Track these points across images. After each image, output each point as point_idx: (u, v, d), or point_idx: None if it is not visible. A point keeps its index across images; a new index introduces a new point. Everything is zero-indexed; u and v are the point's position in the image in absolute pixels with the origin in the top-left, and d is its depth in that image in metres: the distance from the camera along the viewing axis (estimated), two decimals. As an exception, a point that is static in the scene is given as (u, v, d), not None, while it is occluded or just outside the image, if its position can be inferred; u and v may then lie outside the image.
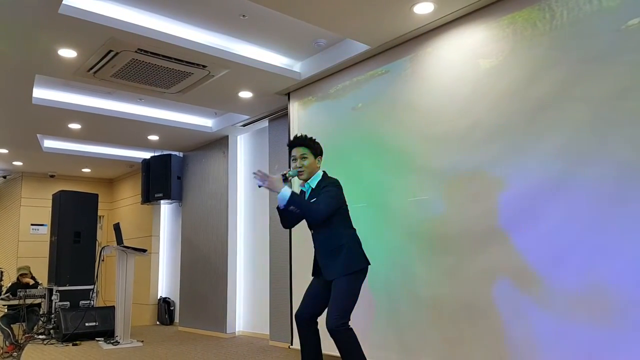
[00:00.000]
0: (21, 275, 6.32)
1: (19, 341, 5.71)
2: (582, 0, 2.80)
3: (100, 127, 5.87)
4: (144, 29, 3.63)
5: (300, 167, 2.77)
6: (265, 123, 5.74)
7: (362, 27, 3.58)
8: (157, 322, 7.52)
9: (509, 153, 3.05)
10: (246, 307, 6.07)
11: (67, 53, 3.87)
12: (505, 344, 2.95)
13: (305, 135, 2.85)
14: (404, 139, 3.71)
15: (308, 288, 2.84)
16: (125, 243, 5.65)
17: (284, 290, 4.90)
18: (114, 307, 5.70)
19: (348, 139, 4.13)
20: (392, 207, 3.72)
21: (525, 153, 2.97)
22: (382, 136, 3.88)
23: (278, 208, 2.76)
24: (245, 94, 4.93)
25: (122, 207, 9.02)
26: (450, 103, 3.42)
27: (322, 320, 2.69)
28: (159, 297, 7.62)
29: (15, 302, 5.97)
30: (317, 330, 2.75)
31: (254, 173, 2.61)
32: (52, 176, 8.62)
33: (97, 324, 5.68)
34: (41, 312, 6.23)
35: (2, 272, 6.61)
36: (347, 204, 2.84)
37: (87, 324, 5.61)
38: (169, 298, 7.48)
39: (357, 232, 2.84)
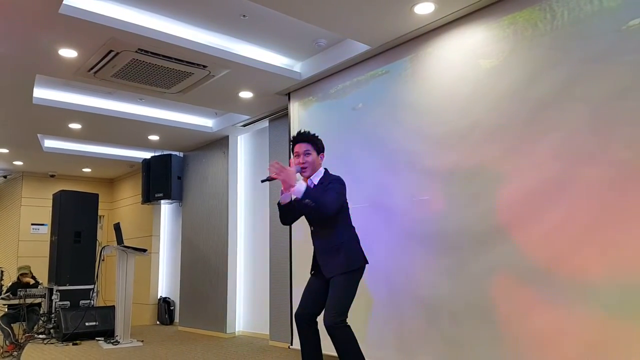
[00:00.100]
0: (21, 274, 6.32)
1: (19, 340, 5.71)
2: (582, 1, 2.80)
3: (101, 127, 5.88)
4: (144, 29, 3.63)
5: (303, 163, 2.76)
6: (265, 123, 5.74)
7: (362, 27, 3.58)
8: (157, 322, 7.52)
9: (509, 153, 3.05)
10: (246, 307, 6.07)
11: (68, 53, 3.88)
12: (505, 344, 2.94)
13: (309, 132, 2.84)
14: (404, 139, 3.71)
15: (306, 287, 2.83)
16: (126, 243, 5.65)
17: (284, 290, 4.90)
18: (114, 306, 5.70)
19: (348, 139, 4.13)
20: (392, 207, 3.72)
21: (526, 153, 2.97)
22: (383, 136, 3.88)
23: (279, 204, 2.76)
24: (246, 94, 4.93)
25: (122, 207, 9.02)
26: (451, 103, 3.42)
27: (321, 319, 2.69)
28: (159, 297, 7.62)
29: (16, 301, 5.98)
30: (317, 330, 2.74)
31: (271, 165, 2.57)
32: (52, 176, 8.62)
33: (97, 323, 5.68)
34: (41, 312, 6.24)
35: (2, 271, 6.62)
36: (347, 202, 2.84)
37: (87, 324, 5.61)
38: (169, 298, 7.48)
39: (356, 231, 2.84)
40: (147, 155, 7.32)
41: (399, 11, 3.36)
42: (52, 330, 5.71)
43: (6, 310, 6.15)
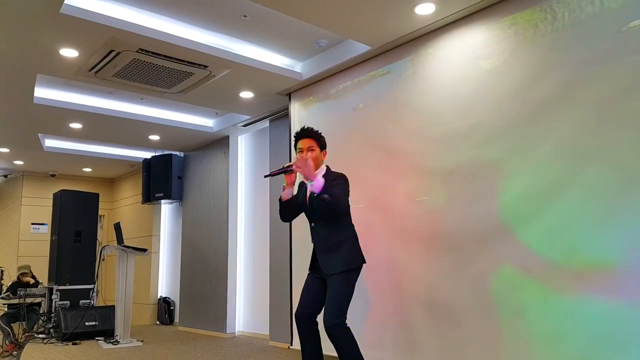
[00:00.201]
0: (21, 274, 6.32)
1: (19, 340, 5.72)
2: (583, 2, 2.80)
3: (102, 126, 5.88)
4: (145, 29, 3.63)
5: (307, 159, 2.77)
6: (266, 123, 5.74)
7: (363, 27, 3.58)
8: (157, 322, 7.52)
9: (510, 154, 3.05)
10: (246, 307, 6.07)
11: (69, 53, 3.88)
12: (504, 345, 2.94)
13: (312, 128, 2.85)
14: (404, 139, 3.71)
15: (305, 286, 2.81)
16: (126, 242, 5.65)
17: (284, 290, 4.90)
18: (114, 306, 5.70)
19: (349, 139, 4.13)
20: (393, 207, 3.72)
21: (526, 154, 2.96)
22: (383, 137, 3.88)
23: (280, 199, 2.75)
24: (246, 94, 4.93)
25: (122, 206, 9.03)
26: (452, 104, 3.42)
27: (321, 319, 2.69)
28: (159, 297, 7.62)
29: (16, 301, 5.98)
30: (318, 330, 2.73)
31: (297, 159, 2.56)
32: (53, 175, 8.63)
33: (97, 323, 5.68)
34: (41, 311, 6.23)
35: (2, 271, 6.62)
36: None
37: (87, 323, 5.61)
38: (169, 298, 7.48)
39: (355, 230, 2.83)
40: (148, 155, 7.32)
41: (400, 12, 3.36)
42: (51, 330, 5.72)
43: (6, 309, 6.15)
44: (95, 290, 6.24)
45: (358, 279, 2.72)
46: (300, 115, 4.74)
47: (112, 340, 5.31)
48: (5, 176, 8.44)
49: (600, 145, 2.65)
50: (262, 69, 4.28)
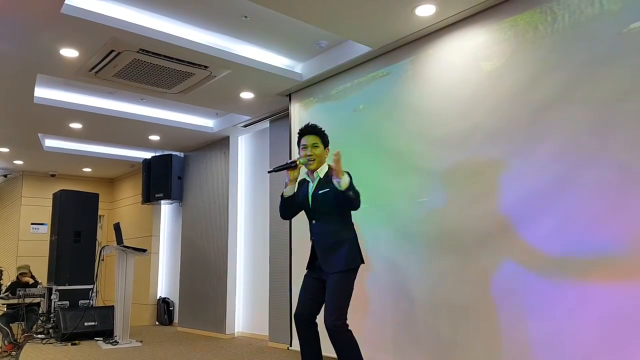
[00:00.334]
0: (21, 274, 6.32)
1: (18, 340, 5.71)
2: (583, 4, 2.80)
3: (102, 126, 5.88)
4: (145, 29, 3.63)
5: (310, 155, 2.75)
6: (266, 124, 5.74)
7: (363, 28, 3.58)
8: (157, 323, 7.51)
9: (510, 155, 3.05)
10: (246, 307, 6.07)
11: (69, 53, 3.88)
12: (503, 346, 2.94)
13: (317, 124, 2.84)
14: (405, 140, 3.72)
15: (303, 287, 2.79)
16: (125, 243, 5.65)
17: (284, 291, 4.90)
18: (113, 306, 5.69)
19: (349, 140, 4.13)
20: (393, 208, 3.72)
21: (527, 155, 2.97)
22: (383, 138, 3.88)
23: (282, 195, 2.75)
24: (247, 95, 4.93)
25: (122, 206, 9.02)
26: (452, 105, 3.43)
27: (320, 320, 2.69)
28: (158, 297, 7.62)
29: (15, 301, 5.97)
30: (317, 331, 2.73)
31: (335, 153, 2.53)
32: (52, 175, 8.63)
33: (96, 323, 5.67)
34: (40, 312, 6.23)
35: (1, 271, 6.62)
36: None
37: (86, 324, 5.60)
38: (168, 298, 7.47)
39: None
40: (148, 155, 7.32)
41: (400, 13, 3.36)
42: (51, 330, 5.71)
43: (5, 309, 6.14)
44: (94, 290, 6.23)
45: (357, 279, 2.72)
46: (300, 116, 4.74)
47: (111, 341, 5.30)
48: (5, 176, 8.43)
49: (599, 146, 2.66)
50: (262, 69, 4.28)
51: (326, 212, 2.71)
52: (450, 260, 3.29)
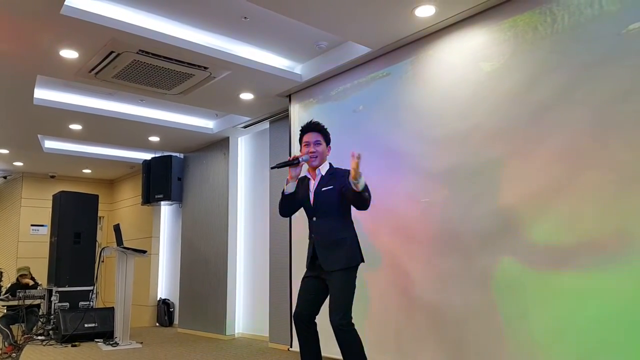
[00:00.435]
0: (21, 275, 6.30)
1: (18, 342, 5.70)
2: (583, 4, 2.81)
3: (101, 128, 5.88)
4: (145, 31, 3.64)
5: (313, 152, 2.75)
6: (266, 125, 5.74)
7: (363, 29, 3.59)
8: (157, 324, 7.50)
9: (510, 156, 3.05)
10: (246, 308, 6.06)
11: (69, 54, 3.88)
12: (506, 345, 2.94)
13: (319, 122, 2.84)
14: (405, 141, 3.72)
15: (302, 287, 2.79)
16: (125, 244, 5.65)
17: (284, 292, 4.89)
18: (113, 308, 5.69)
19: (349, 141, 4.13)
20: (393, 208, 3.72)
21: (526, 156, 2.97)
22: (383, 138, 3.88)
23: (283, 193, 2.74)
24: (246, 96, 4.93)
25: (122, 208, 9.02)
26: (451, 106, 3.43)
27: (321, 320, 2.69)
28: (158, 299, 7.61)
29: (15, 302, 5.96)
30: (317, 331, 2.72)
31: (352, 153, 2.46)
32: (52, 177, 8.62)
33: (96, 325, 5.67)
34: (40, 313, 6.22)
35: (1, 272, 6.59)
36: None
37: (86, 325, 5.60)
38: (168, 299, 7.47)
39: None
40: (148, 156, 7.32)
41: (400, 14, 3.36)
42: (51, 332, 5.70)
43: (5, 311, 6.13)
44: (94, 291, 6.23)
45: (357, 279, 2.72)
46: (300, 116, 4.74)
47: (111, 342, 5.30)
48: (5, 177, 8.43)
49: (599, 147, 2.66)
50: (262, 70, 4.29)
51: (327, 209, 2.71)
52: (451, 260, 3.29)
